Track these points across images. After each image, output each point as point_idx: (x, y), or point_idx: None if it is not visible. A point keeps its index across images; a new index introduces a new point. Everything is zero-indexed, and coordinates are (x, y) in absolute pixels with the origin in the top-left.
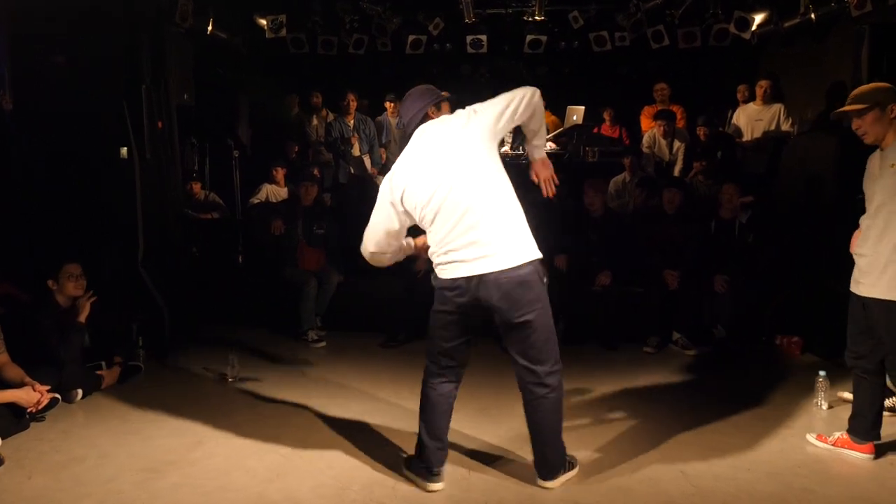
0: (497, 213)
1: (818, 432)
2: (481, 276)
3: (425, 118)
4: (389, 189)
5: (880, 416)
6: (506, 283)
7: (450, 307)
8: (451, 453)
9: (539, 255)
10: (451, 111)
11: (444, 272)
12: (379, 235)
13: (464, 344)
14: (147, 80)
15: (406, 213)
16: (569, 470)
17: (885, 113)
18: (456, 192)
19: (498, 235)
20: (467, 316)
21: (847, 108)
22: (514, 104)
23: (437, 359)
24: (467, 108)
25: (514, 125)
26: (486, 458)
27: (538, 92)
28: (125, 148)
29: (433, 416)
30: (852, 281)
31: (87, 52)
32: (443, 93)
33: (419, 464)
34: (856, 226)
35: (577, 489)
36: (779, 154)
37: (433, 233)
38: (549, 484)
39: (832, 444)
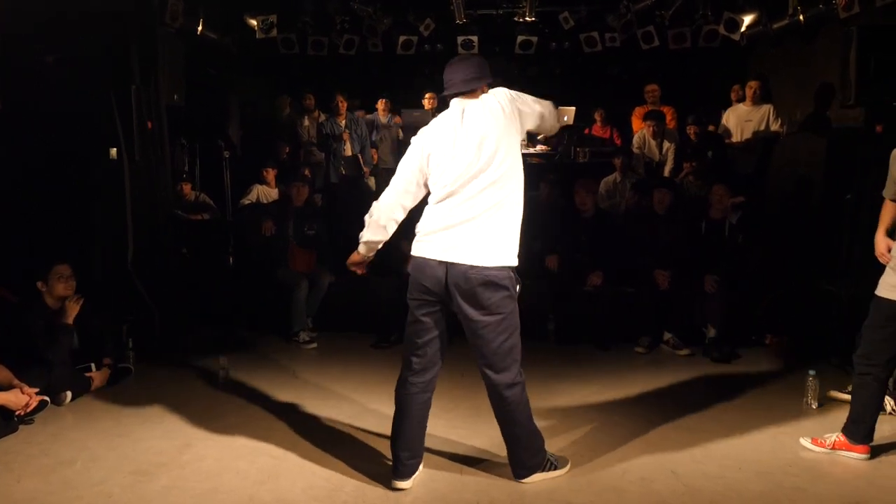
0: (499, 214)
1: (811, 436)
2: (450, 264)
3: (473, 92)
4: (420, 148)
5: (876, 419)
6: (473, 278)
7: (419, 291)
8: (443, 454)
9: (514, 263)
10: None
11: (420, 248)
12: (399, 194)
13: (436, 340)
14: (137, 80)
15: (423, 174)
16: (548, 470)
17: None
18: (477, 181)
19: (484, 234)
20: (435, 304)
21: None
22: (549, 120)
23: (410, 361)
24: (509, 94)
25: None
26: (479, 459)
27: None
28: (114, 149)
29: (405, 426)
30: (888, 287)
31: (76, 52)
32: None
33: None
34: (844, 225)
35: (568, 489)
36: (768, 154)
37: (434, 203)
38: (525, 481)
39: (830, 448)
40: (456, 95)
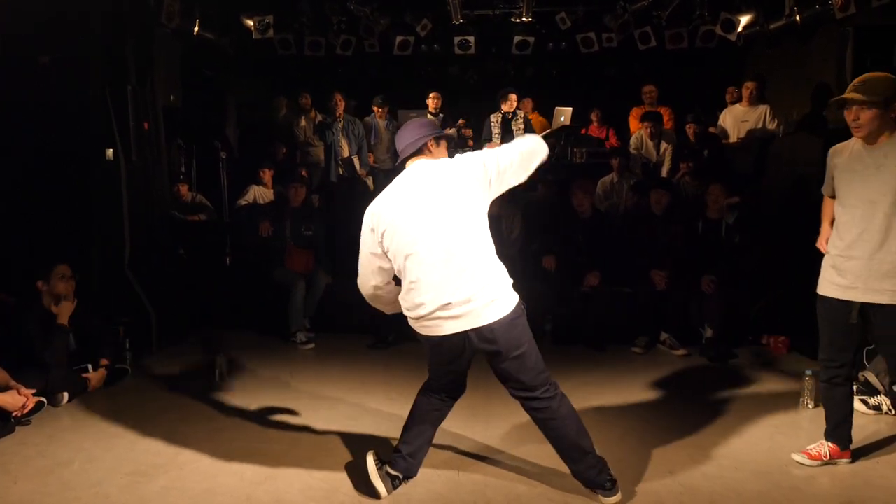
0: (482, 263)
1: (805, 447)
2: (475, 330)
3: (422, 150)
4: (370, 218)
5: (851, 421)
6: (498, 329)
7: (446, 357)
8: (441, 453)
9: (517, 296)
10: (448, 145)
11: (431, 329)
12: (372, 267)
13: (463, 376)
14: (133, 80)
15: (383, 249)
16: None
17: (887, 111)
18: (443, 239)
19: (483, 283)
20: (463, 361)
21: (853, 95)
22: (539, 152)
23: (438, 387)
24: (476, 154)
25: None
26: (475, 459)
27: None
28: (111, 149)
29: (418, 424)
30: (837, 287)
31: (72, 52)
32: (446, 130)
33: (386, 464)
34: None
35: (565, 490)
36: (764, 154)
37: (413, 279)
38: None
39: (827, 459)
40: (409, 158)
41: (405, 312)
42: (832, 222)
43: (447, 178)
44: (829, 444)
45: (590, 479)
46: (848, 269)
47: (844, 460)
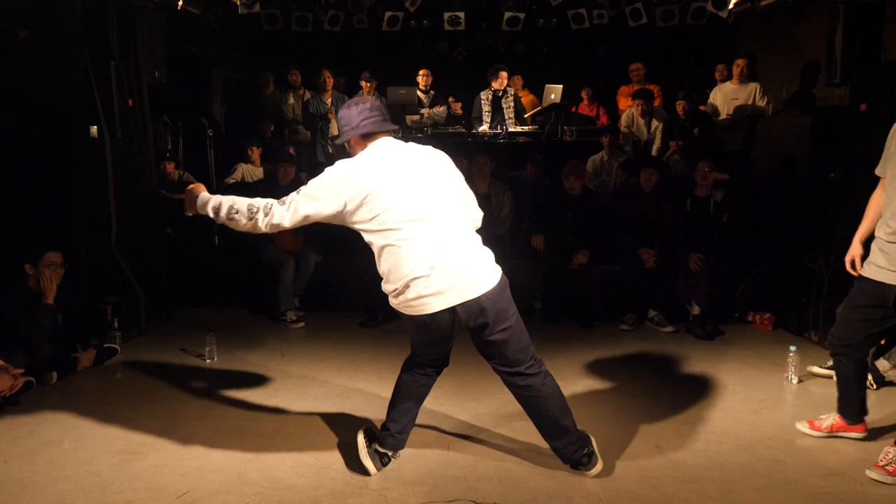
0: (469, 240)
1: (803, 417)
2: (462, 304)
3: (383, 135)
4: (349, 183)
5: (863, 397)
6: (486, 301)
7: (434, 336)
8: (431, 430)
9: (499, 268)
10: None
11: (417, 309)
12: (306, 219)
13: (448, 351)
14: (116, 56)
15: (351, 213)
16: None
17: None
18: (436, 216)
19: (472, 263)
20: (450, 338)
21: None
22: (478, 212)
23: (422, 364)
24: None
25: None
26: (466, 435)
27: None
28: (95, 127)
29: (403, 401)
30: (876, 268)
31: (52, 26)
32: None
33: (375, 442)
34: (828, 203)
35: (554, 467)
36: (754, 131)
37: (402, 254)
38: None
39: (828, 431)
40: (369, 133)
41: (389, 292)
42: (869, 229)
43: (430, 159)
44: (835, 416)
45: (567, 456)
46: (892, 252)
47: (854, 434)
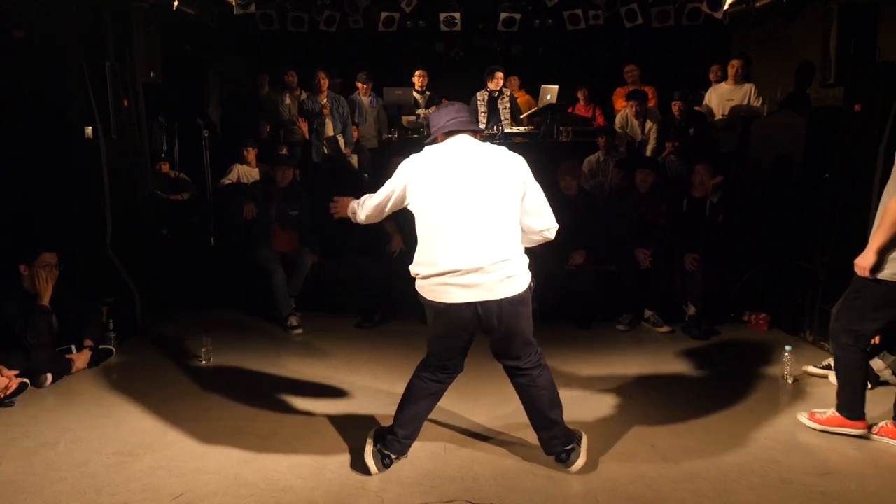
0: (506, 242)
1: (806, 411)
2: (483, 303)
3: (464, 133)
4: (407, 168)
5: (864, 392)
6: (505, 307)
7: (451, 328)
8: (428, 431)
9: (529, 276)
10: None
11: (438, 294)
12: (377, 202)
13: (464, 352)
14: (112, 56)
15: (405, 196)
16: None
17: None
18: (475, 208)
19: (502, 264)
20: (467, 335)
21: None
22: (546, 222)
23: (437, 366)
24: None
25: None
26: (462, 436)
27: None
28: (90, 127)
29: (412, 407)
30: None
31: (48, 27)
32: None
33: (380, 443)
34: (823, 203)
35: (550, 467)
36: (749, 132)
37: (434, 237)
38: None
39: (824, 424)
40: (451, 134)
41: (415, 271)
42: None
43: (497, 160)
44: (833, 412)
45: (550, 448)
46: None
47: (851, 430)
